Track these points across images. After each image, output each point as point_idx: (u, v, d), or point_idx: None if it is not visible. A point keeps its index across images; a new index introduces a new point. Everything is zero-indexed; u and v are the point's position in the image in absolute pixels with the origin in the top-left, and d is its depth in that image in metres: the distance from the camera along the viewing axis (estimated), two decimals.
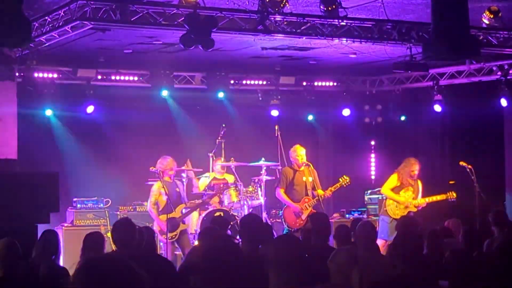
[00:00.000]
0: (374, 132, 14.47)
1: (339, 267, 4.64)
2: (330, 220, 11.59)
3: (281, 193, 10.57)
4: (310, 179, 10.53)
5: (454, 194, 10.65)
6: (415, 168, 10.62)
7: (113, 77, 12.33)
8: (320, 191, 10.46)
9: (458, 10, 7.16)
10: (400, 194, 10.55)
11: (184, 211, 10.36)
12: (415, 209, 10.47)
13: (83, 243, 6.33)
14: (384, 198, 10.92)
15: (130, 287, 2.30)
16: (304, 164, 10.55)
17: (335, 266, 4.62)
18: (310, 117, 13.96)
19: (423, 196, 10.66)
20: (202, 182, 11.70)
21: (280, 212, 10.92)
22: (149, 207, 10.25)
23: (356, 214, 12.30)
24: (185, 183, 11.35)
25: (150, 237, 6.58)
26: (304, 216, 10.38)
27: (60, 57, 11.16)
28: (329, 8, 8.39)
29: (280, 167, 11.26)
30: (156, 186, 10.23)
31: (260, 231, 5.97)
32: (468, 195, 10.97)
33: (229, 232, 8.85)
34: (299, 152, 10.60)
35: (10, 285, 5.37)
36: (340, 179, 10.69)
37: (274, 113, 13.25)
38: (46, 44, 9.46)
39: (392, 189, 10.59)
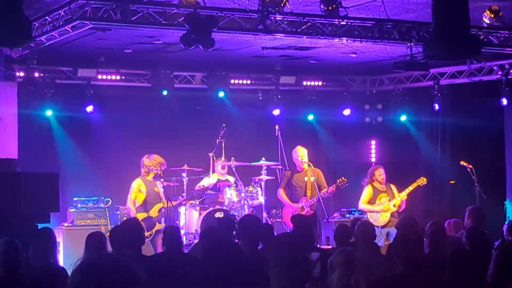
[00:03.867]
0: (374, 131, 14.46)
1: (332, 267, 4.67)
2: (331, 220, 11.66)
3: (280, 193, 10.73)
4: (312, 179, 10.54)
5: (425, 179, 10.74)
6: (380, 172, 10.68)
7: (113, 77, 12.32)
8: (324, 190, 10.54)
9: (458, 9, 7.15)
10: (376, 203, 10.62)
11: (162, 210, 10.40)
12: (395, 209, 10.55)
13: (85, 243, 6.34)
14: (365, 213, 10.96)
15: (127, 286, 2.29)
16: (304, 164, 10.57)
17: (329, 265, 4.64)
18: (311, 117, 13.95)
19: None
20: (204, 182, 11.73)
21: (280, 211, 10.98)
22: (128, 204, 10.31)
23: (356, 214, 12.28)
24: (185, 183, 11.35)
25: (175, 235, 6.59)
26: None
27: (61, 57, 11.16)
28: (330, 8, 8.39)
29: (280, 167, 11.27)
30: (136, 183, 10.30)
31: (259, 232, 5.98)
32: (469, 195, 10.96)
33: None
34: (300, 153, 10.63)
35: (10, 285, 5.35)
36: (338, 180, 10.73)
37: (275, 112, 13.25)
38: (47, 44, 9.45)
39: (368, 202, 10.68)
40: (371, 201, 10.68)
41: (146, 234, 9.92)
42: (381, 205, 10.60)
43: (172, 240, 6.27)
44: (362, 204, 10.78)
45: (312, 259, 5.62)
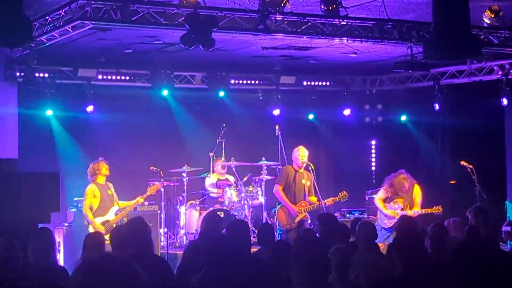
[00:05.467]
0: (374, 131, 14.47)
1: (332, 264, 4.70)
2: None
3: (279, 190, 10.35)
4: (308, 183, 10.47)
5: (440, 209, 10.60)
6: (405, 185, 10.54)
7: (113, 77, 12.33)
8: (312, 198, 10.36)
9: (459, 9, 7.15)
10: (391, 204, 10.56)
11: (118, 213, 10.23)
12: None
13: (83, 243, 6.34)
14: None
15: (127, 287, 2.29)
16: (303, 164, 10.49)
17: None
18: (311, 117, 13.96)
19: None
20: (206, 182, 11.78)
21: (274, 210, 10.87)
22: (83, 211, 10.16)
23: (357, 214, 12.30)
24: (185, 183, 11.36)
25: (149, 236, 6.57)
26: (297, 220, 10.30)
27: (61, 57, 11.17)
28: (330, 8, 8.39)
29: (280, 167, 11.24)
30: (89, 189, 10.15)
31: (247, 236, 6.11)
32: (469, 195, 10.95)
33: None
34: (301, 153, 10.52)
35: (10, 284, 5.36)
36: (339, 193, 10.63)
37: (275, 112, 13.25)
38: (47, 44, 9.45)
39: (384, 200, 10.62)
40: (387, 200, 10.62)
41: (106, 237, 9.88)
42: (392, 210, 10.50)
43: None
44: (377, 201, 10.68)
45: None
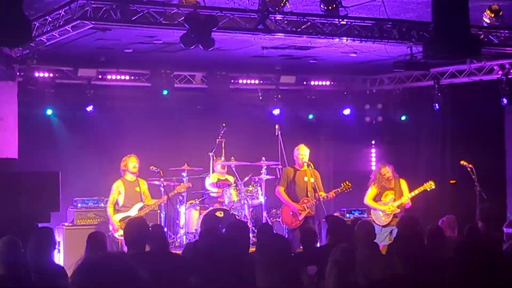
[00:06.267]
0: (374, 131, 14.47)
1: (330, 265, 4.68)
2: None
3: (280, 191, 10.49)
4: (312, 180, 10.49)
5: (433, 184, 10.61)
6: (386, 171, 10.59)
7: (113, 77, 12.34)
8: (322, 193, 10.42)
9: (458, 9, 7.15)
10: (382, 200, 10.57)
11: (140, 209, 10.40)
12: (399, 210, 10.47)
13: (86, 243, 6.36)
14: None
15: (127, 287, 2.29)
16: (304, 164, 10.51)
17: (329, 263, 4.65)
18: (311, 117, 13.96)
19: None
20: (206, 182, 11.78)
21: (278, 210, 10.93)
22: (107, 205, 10.48)
23: (356, 214, 12.29)
24: (186, 182, 11.36)
25: (161, 234, 6.61)
26: (301, 217, 10.34)
27: (61, 57, 11.17)
28: (330, 7, 8.39)
29: (280, 166, 11.26)
30: (115, 185, 10.45)
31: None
32: (469, 195, 10.95)
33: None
34: (302, 151, 10.56)
35: (10, 283, 5.36)
36: (342, 184, 10.65)
37: (275, 112, 13.26)
38: (47, 44, 9.46)
39: (374, 198, 10.63)
40: (377, 198, 10.62)
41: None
42: (384, 205, 10.52)
43: (158, 239, 6.25)
44: (367, 200, 10.70)
45: (309, 273, 5.62)
